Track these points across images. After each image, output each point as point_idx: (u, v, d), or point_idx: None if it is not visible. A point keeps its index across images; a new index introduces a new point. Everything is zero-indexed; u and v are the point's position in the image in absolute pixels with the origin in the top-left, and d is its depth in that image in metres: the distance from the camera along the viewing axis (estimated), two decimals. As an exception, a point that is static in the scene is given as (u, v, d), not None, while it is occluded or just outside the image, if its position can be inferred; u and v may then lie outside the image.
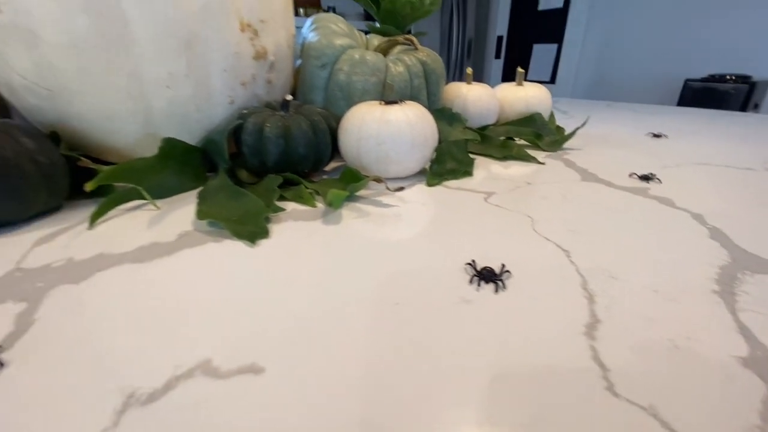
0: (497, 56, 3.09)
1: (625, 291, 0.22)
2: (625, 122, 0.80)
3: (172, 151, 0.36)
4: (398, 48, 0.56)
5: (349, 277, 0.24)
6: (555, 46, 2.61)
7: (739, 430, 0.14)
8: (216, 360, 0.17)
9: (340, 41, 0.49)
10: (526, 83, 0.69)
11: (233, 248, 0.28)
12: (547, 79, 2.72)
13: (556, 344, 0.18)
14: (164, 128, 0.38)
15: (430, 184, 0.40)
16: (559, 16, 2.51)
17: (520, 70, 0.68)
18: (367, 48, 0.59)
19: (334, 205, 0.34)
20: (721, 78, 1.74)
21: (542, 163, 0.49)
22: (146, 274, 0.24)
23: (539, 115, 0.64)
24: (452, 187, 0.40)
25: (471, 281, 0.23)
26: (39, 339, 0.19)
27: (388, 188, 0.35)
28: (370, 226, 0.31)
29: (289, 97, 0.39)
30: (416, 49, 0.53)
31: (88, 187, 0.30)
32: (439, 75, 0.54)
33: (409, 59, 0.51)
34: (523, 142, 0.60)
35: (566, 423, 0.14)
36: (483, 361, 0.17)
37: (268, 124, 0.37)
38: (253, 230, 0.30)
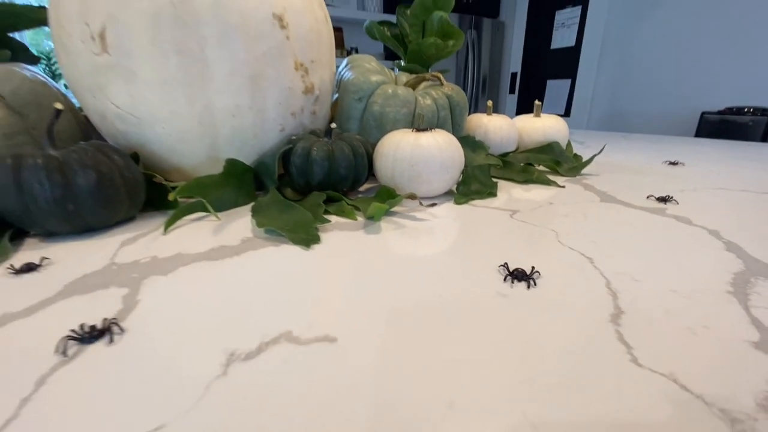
0: (511, 91, 3.21)
1: (645, 290, 0.25)
2: (642, 151, 0.83)
3: (233, 170, 0.42)
4: (425, 83, 0.62)
5: (395, 276, 0.27)
6: (568, 81, 2.70)
7: (750, 394, 0.16)
8: (296, 331, 0.20)
9: (375, 78, 0.55)
10: (543, 115, 0.74)
11: (290, 251, 0.32)
12: (562, 112, 2.79)
13: (585, 329, 0.21)
14: (225, 151, 0.43)
15: (458, 203, 0.44)
16: (572, 54, 2.62)
17: (537, 102, 0.73)
18: (396, 83, 0.65)
19: (375, 217, 0.38)
20: (738, 110, 1.76)
21: (562, 187, 0.52)
22: (222, 269, 0.28)
23: (557, 143, 0.68)
24: (478, 205, 0.44)
25: (505, 280, 0.26)
26: (146, 314, 0.22)
27: (421, 203, 0.39)
28: (407, 236, 0.35)
29: (333, 126, 0.44)
30: (442, 84, 0.59)
31: (171, 196, 0.35)
32: (463, 107, 0.59)
33: (436, 93, 0.57)
34: (542, 168, 0.63)
35: (597, 387, 0.16)
36: (520, 343, 0.20)
37: (315, 148, 0.43)
38: (306, 237, 0.34)
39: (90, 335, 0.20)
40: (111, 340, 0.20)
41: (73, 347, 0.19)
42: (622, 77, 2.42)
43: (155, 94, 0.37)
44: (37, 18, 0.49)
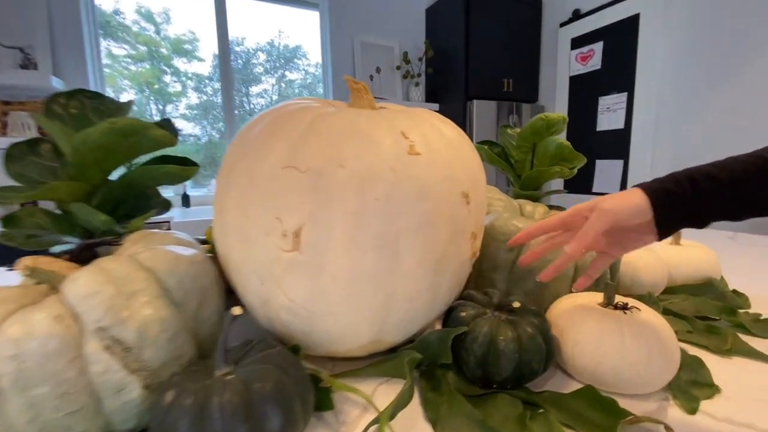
0: (556, 169, 3.18)
1: None
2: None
3: (410, 372, 0.35)
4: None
5: None
6: (621, 162, 2.65)
7: None
8: None
9: (522, 224, 0.49)
10: (684, 241, 0.65)
11: None
12: (617, 191, 2.70)
13: None
14: (389, 334, 0.37)
15: (690, 411, 0.34)
16: (622, 136, 2.61)
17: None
18: (522, 214, 0.60)
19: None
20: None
21: (786, 367, 0.41)
22: None
23: (718, 281, 0.59)
24: (720, 417, 0.33)
25: None
26: None
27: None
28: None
29: (517, 304, 0.37)
30: (591, 225, 0.53)
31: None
32: (619, 251, 0.52)
33: (592, 238, 0.50)
34: (714, 318, 0.53)
35: None
36: None
37: (501, 337, 0.35)
38: None
39: None
40: None
41: None
42: (684, 159, 2.34)
43: (340, 290, 0.32)
44: (187, 175, 0.48)
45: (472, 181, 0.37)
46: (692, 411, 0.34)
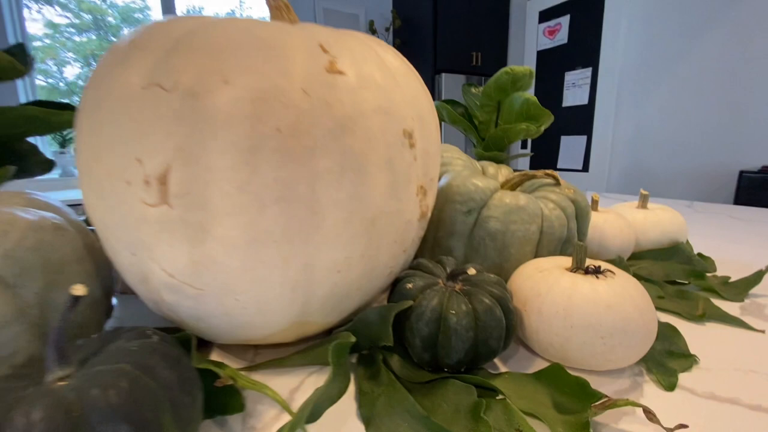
0: (523, 147, 3.20)
1: None
2: (751, 235, 0.69)
3: (339, 360, 0.27)
4: (527, 184, 0.51)
5: None
6: (584, 137, 2.69)
7: None
8: None
9: (483, 183, 0.43)
10: (651, 205, 0.62)
11: None
12: (579, 167, 2.75)
13: None
14: (315, 315, 0.29)
15: (669, 387, 0.29)
16: (586, 111, 2.63)
17: (644, 192, 0.61)
18: (484, 175, 0.53)
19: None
20: (779, 169, 1.69)
21: (761, 332, 0.38)
22: None
23: (685, 245, 0.55)
24: (701, 393, 0.29)
25: None
26: None
27: (665, 428, 0.24)
28: None
29: (473, 271, 0.31)
30: (558, 184, 0.47)
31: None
32: (588, 212, 0.47)
33: (559, 199, 0.44)
34: (685, 285, 0.49)
35: None
36: None
37: (453, 311, 0.29)
38: None
39: None
40: None
41: None
42: (643, 133, 2.40)
43: (235, 259, 0.23)
44: (59, 122, 0.37)
45: (418, 118, 0.29)
46: (671, 387, 0.29)
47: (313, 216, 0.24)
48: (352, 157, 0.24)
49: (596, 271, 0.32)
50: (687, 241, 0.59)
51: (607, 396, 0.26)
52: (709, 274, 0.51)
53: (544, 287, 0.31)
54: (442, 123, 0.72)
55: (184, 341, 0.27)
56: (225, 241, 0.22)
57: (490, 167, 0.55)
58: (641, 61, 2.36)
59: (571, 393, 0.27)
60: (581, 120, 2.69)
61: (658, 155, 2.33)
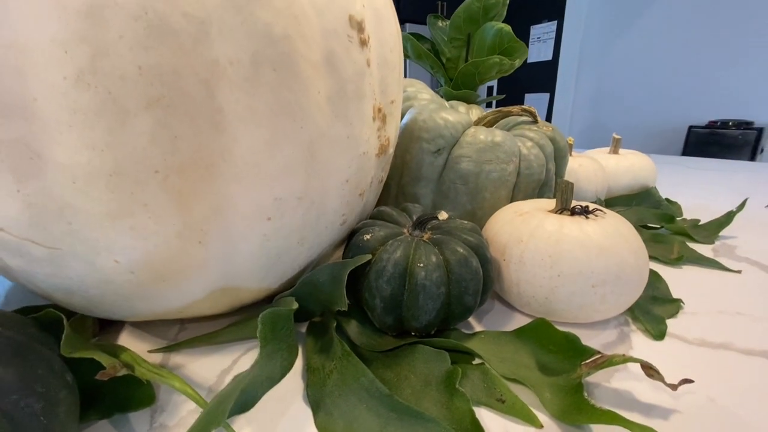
0: (488, 105, 3.16)
1: None
2: (706, 184, 0.69)
3: (274, 333, 0.21)
4: (503, 121, 0.45)
5: None
6: (547, 95, 2.68)
7: None
8: None
9: (454, 117, 0.36)
10: (623, 151, 0.59)
11: None
12: (542, 126, 2.77)
13: None
14: (245, 278, 0.23)
15: (658, 336, 0.26)
16: (549, 68, 2.60)
17: (616, 137, 0.58)
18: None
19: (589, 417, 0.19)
20: (723, 124, 1.77)
21: (738, 272, 0.36)
22: None
23: (654, 190, 0.54)
24: (691, 339, 0.26)
25: None
26: None
27: (668, 384, 0.20)
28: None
29: (444, 216, 0.25)
30: (536, 122, 0.42)
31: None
32: (566, 153, 0.42)
33: (537, 137, 0.39)
34: (653, 226, 0.48)
35: None
36: None
37: (420, 264, 0.23)
38: None
39: None
40: None
41: None
42: (603, 90, 2.43)
43: (94, 199, 0.15)
44: None
45: (371, 7, 0.21)
46: (660, 335, 0.26)
47: (216, 133, 0.16)
48: (268, 43, 0.16)
49: (585, 212, 0.27)
50: (655, 187, 0.57)
51: (599, 352, 0.22)
52: (678, 219, 0.50)
53: (526, 232, 0.26)
54: (406, 60, 0.64)
55: (55, 322, 0.20)
56: (72, 170, 0.14)
57: (461, 107, 0.48)
58: (605, 13, 2.33)
59: (558, 351, 0.23)
60: (545, 77, 2.67)
61: (616, 112, 2.38)
